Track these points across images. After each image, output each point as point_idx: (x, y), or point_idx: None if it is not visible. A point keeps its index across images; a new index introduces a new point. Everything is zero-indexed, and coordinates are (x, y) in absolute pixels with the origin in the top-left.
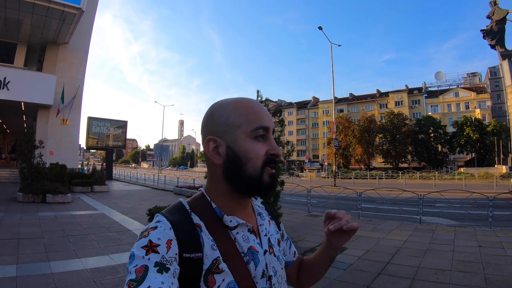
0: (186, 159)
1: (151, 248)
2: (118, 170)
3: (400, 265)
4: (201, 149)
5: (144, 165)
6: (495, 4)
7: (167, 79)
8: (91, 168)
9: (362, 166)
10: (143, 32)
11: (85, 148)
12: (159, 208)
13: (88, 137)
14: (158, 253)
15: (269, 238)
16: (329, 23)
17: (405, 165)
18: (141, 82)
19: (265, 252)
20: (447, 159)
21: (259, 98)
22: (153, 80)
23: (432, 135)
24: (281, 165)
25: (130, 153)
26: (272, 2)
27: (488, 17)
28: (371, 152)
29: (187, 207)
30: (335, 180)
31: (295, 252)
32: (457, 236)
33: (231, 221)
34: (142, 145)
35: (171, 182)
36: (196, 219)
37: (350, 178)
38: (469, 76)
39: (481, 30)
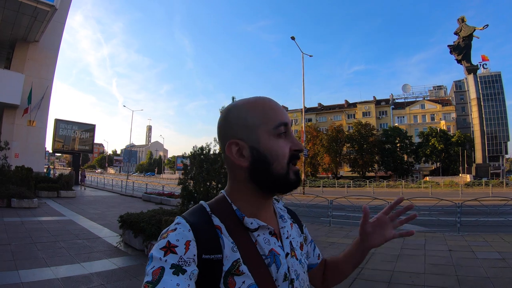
0: (154, 165)
1: (169, 249)
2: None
3: (375, 270)
4: (169, 155)
5: (111, 170)
6: (463, 21)
7: (136, 83)
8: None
9: (330, 175)
10: (114, 34)
11: (51, 151)
12: (130, 214)
13: (54, 140)
14: (176, 253)
15: (290, 241)
16: (300, 33)
17: (372, 174)
18: (110, 85)
19: (286, 255)
20: (413, 168)
21: None
22: (122, 83)
23: (398, 145)
24: None
25: (96, 158)
26: (245, 10)
27: (456, 33)
28: (339, 161)
29: (208, 209)
30: (303, 188)
31: (319, 254)
32: (428, 241)
33: (251, 223)
34: (109, 150)
35: (140, 188)
36: (216, 220)
37: (319, 187)
38: (435, 89)
39: (448, 46)
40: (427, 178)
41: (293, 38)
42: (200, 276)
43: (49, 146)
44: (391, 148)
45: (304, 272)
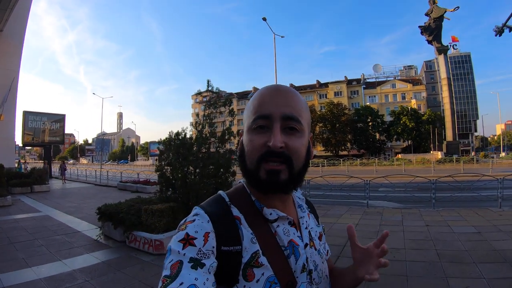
0: (126, 153)
1: (188, 241)
2: (56, 168)
3: None
4: (141, 142)
5: (83, 160)
6: (434, 2)
7: (104, 69)
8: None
9: None
10: (80, 19)
11: (21, 145)
12: (108, 206)
13: (24, 133)
14: (195, 246)
15: (309, 231)
16: (270, 14)
17: (345, 152)
18: (77, 73)
19: (305, 245)
20: (385, 147)
21: (210, 88)
22: (89, 71)
23: (370, 124)
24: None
25: (67, 149)
26: None
27: (427, 14)
28: (312, 140)
29: (227, 199)
30: None
31: (328, 250)
32: (405, 217)
33: (271, 214)
34: (80, 139)
35: (114, 177)
36: (235, 211)
37: None
38: (405, 69)
39: (419, 26)
40: (400, 156)
41: (264, 19)
42: (219, 268)
43: (18, 140)
44: (363, 127)
45: (322, 263)
